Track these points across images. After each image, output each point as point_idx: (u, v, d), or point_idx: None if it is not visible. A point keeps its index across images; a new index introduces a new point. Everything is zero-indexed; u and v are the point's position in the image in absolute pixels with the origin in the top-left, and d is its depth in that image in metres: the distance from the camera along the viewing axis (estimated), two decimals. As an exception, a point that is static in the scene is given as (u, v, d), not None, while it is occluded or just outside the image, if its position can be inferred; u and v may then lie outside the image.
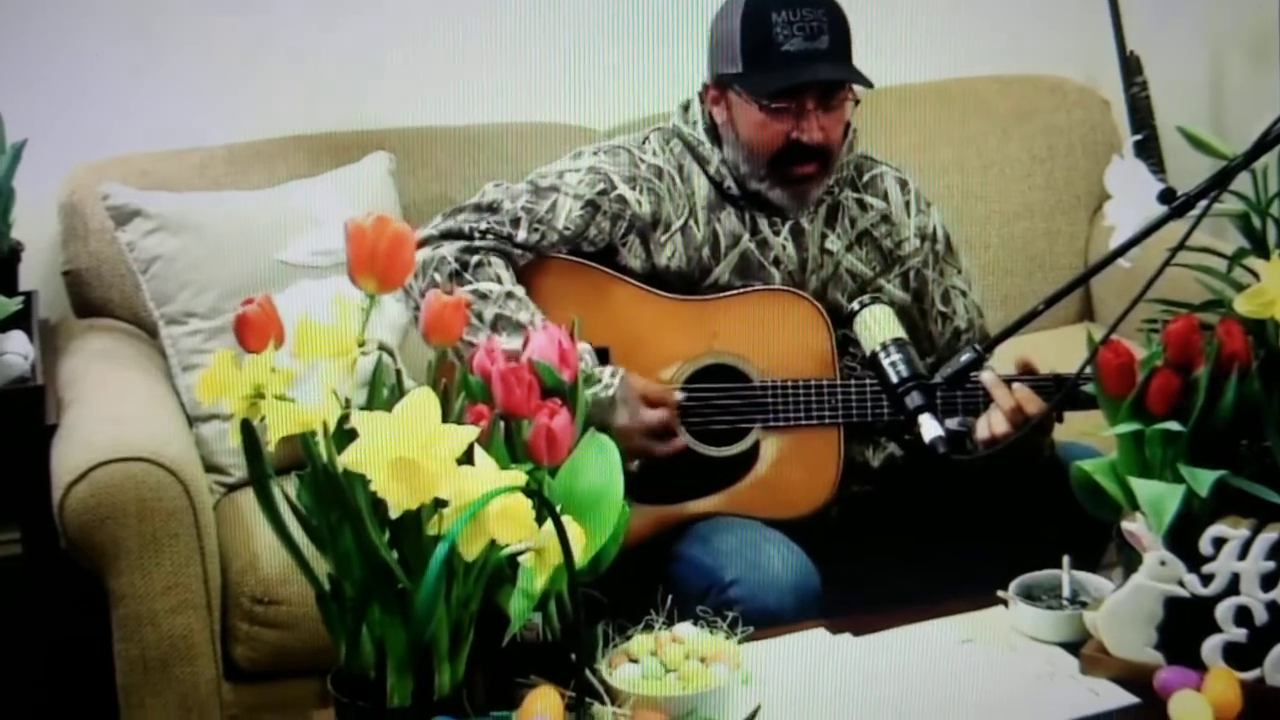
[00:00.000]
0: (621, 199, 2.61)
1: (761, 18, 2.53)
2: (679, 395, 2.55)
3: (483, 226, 2.57)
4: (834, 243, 2.68)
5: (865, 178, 2.73)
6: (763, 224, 2.65)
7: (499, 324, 2.48)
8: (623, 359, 2.55)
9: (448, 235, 2.57)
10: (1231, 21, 4.12)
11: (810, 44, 2.51)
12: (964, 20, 3.82)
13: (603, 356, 2.55)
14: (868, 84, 2.56)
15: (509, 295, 2.51)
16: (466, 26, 3.07)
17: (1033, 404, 2.46)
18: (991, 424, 2.48)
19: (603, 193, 2.61)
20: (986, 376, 2.49)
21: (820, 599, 2.43)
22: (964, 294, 2.78)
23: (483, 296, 2.49)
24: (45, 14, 3.20)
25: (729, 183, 2.64)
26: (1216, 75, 4.17)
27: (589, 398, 2.17)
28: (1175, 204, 2.23)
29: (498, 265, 2.55)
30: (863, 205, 2.71)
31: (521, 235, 2.57)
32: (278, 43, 3.26)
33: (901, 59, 3.26)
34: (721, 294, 2.62)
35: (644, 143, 2.68)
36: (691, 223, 2.63)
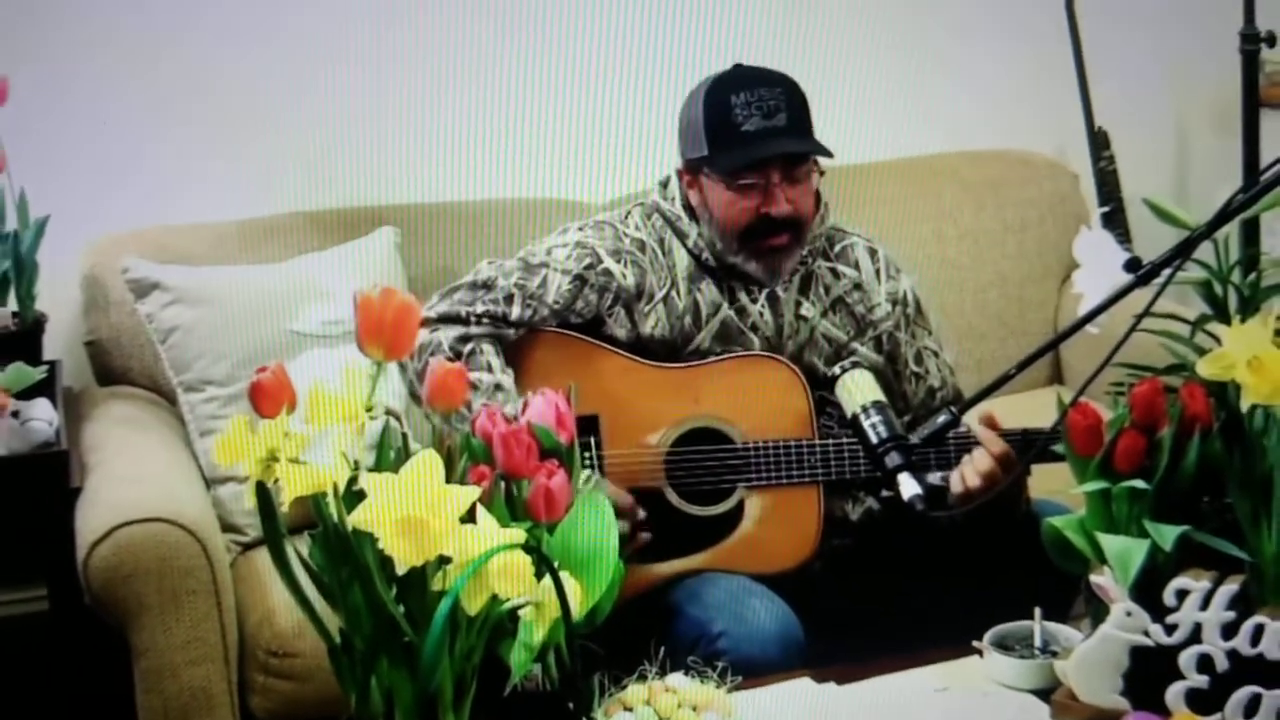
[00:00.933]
0: (607, 272, 2.67)
1: (721, 102, 2.60)
2: (641, 514, 2.57)
3: (479, 309, 2.62)
4: (808, 309, 2.72)
5: (837, 248, 2.78)
6: (740, 293, 2.70)
7: None
8: (611, 425, 2.60)
9: (445, 319, 2.62)
10: (1195, 98, 4.16)
11: (768, 122, 2.58)
12: (940, 98, 3.86)
13: (592, 423, 2.58)
14: (827, 154, 2.61)
15: (497, 387, 2.55)
16: (468, 107, 3.04)
17: (996, 444, 2.51)
18: (964, 477, 2.52)
19: (589, 266, 2.67)
20: (979, 430, 2.53)
21: (803, 649, 2.45)
22: (936, 354, 2.82)
23: (473, 387, 2.52)
24: (67, 96, 3.24)
25: (707, 255, 2.69)
26: (1181, 149, 4.20)
27: None
28: (1140, 272, 2.26)
29: (489, 353, 2.59)
30: (835, 274, 2.76)
31: (515, 313, 2.62)
32: (290, 124, 3.29)
33: (880, 136, 3.32)
34: (704, 360, 2.66)
35: (626, 218, 2.74)
36: (674, 293, 2.68)
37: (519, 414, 2.32)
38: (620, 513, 2.48)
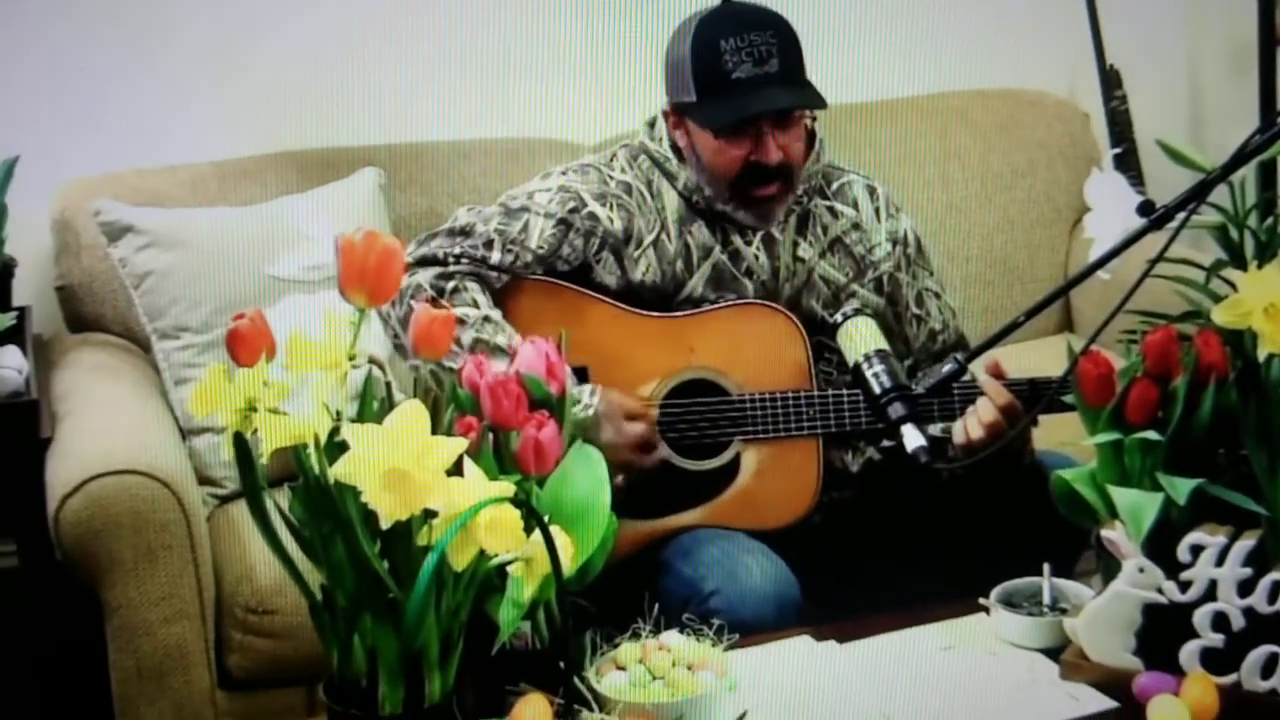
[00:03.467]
0: (593, 216, 2.62)
1: (710, 45, 2.53)
2: (656, 411, 2.55)
3: (456, 251, 2.58)
4: (806, 250, 2.68)
5: (834, 186, 2.73)
6: (734, 235, 2.65)
7: (477, 348, 2.49)
8: (602, 377, 2.56)
9: (422, 262, 2.58)
10: (1210, 36, 4.14)
11: (760, 69, 2.51)
12: (946, 35, 3.81)
13: (582, 375, 2.55)
14: (820, 105, 2.56)
15: (486, 319, 2.52)
16: (453, 44, 3.07)
17: (1002, 395, 2.47)
18: (968, 429, 2.48)
19: (574, 210, 2.62)
20: (984, 380, 2.50)
21: (800, 609, 2.43)
22: (937, 295, 2.78)
23: (460, 321, 2.48)
24: (38, 33, 3.21)
25: (697, 198, 2.64)
26: (1195, 89, 4.18)
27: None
28: (1154, 216, 2.22)
29: (473, 290, 2.56)
30: (833, 213, 2.71)
31: (495, 257, 2.58)
32: (268, 61, 3.28)
33: (884, 74, 3.28)
34: (698, 309, 2.62)
35: (611, 160, 2.69)
36: (663, 236, 2.64)
37: (513, 346, 2.29)
38: (634, 417, 2.53)
